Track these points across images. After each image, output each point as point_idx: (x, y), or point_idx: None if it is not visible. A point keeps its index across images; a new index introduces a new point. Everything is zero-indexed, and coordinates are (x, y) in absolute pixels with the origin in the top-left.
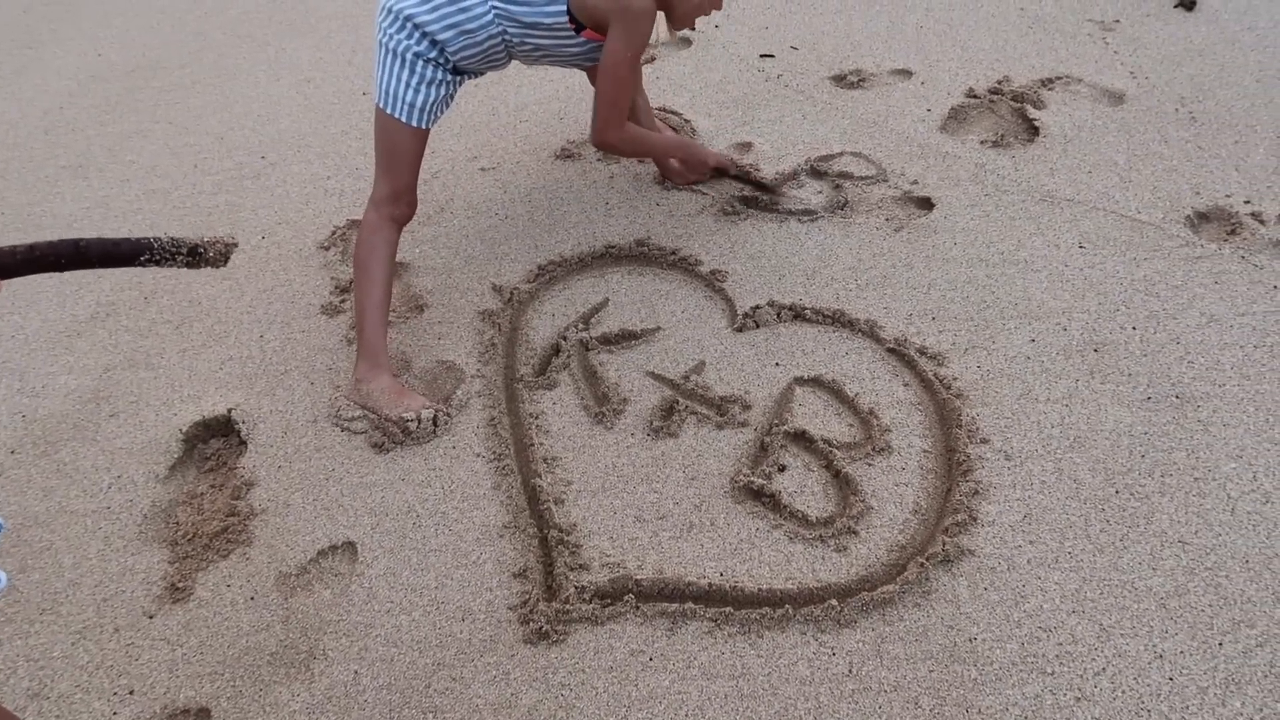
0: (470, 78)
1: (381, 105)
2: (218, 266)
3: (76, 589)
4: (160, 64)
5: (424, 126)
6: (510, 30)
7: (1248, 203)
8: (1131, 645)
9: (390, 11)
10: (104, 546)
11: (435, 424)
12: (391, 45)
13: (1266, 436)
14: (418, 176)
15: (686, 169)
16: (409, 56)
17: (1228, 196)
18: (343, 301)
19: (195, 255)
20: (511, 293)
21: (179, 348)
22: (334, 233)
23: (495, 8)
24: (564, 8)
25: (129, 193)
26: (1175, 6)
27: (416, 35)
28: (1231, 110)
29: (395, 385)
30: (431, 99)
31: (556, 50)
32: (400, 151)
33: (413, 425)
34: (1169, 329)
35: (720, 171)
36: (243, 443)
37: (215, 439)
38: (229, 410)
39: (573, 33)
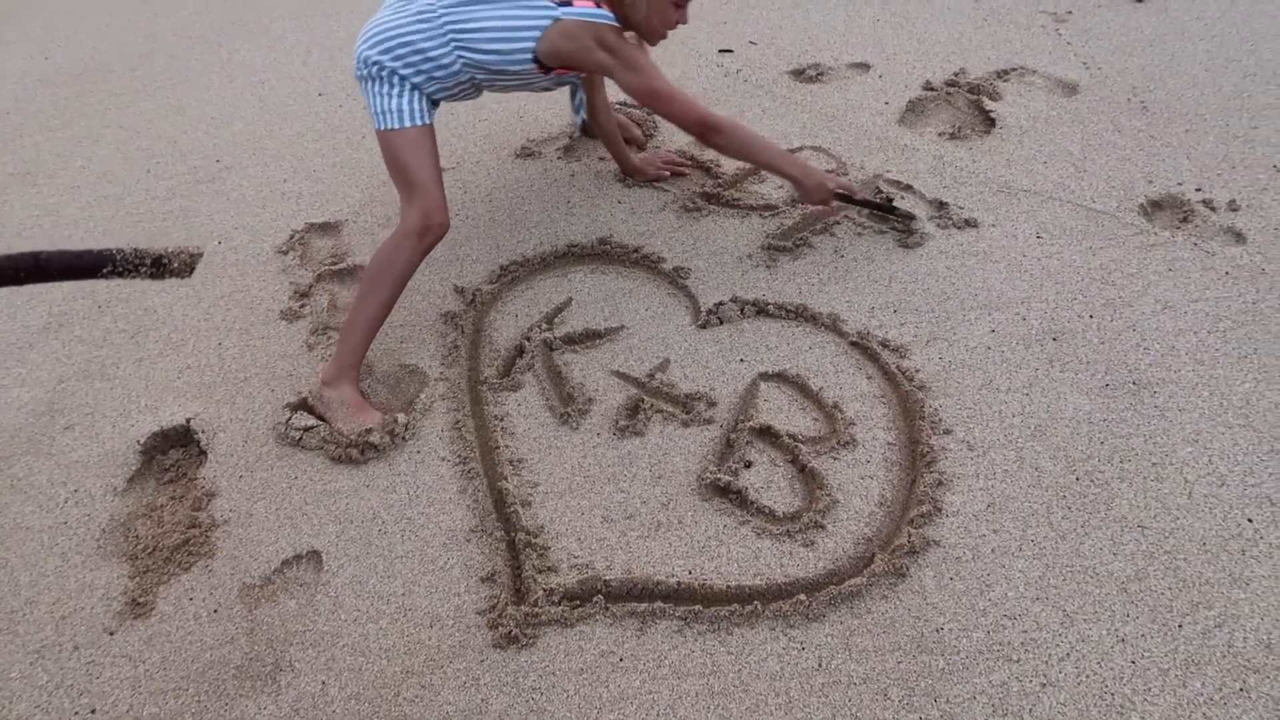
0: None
1: (379, 128)
2: (182, 277)
3: (34, 607)
4: (110, 67)
5: (423, 122)
6: (479, 75)
7: (1199, 190)
8: (1094, 630)
9: (362, 60)
10: (61, 563)
11: (383, 442)
12: (367, 74)
13: (1221, 420)
14: (442, 190)
15: (803, 194)
16: (384, 75)
17: (1179, 184)
18: (302, 307)
19: (159, 266)
20: (474, 294)
21: (135, 357)
22: (292, 236)
23: (462, 58)
24: (530, 57)
25: (79, 199)
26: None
27: (388, 72)
28: (1182, 99)
29: (356, 399)
30: (418, 100)
31: (528, 85)
32: (414, 165)
33: (366, 445)
34: (1125, 317)
35: (844, 198)
36: (202, 452)
37: (174, 449)
38: (188, 420)
39: (542, 75)
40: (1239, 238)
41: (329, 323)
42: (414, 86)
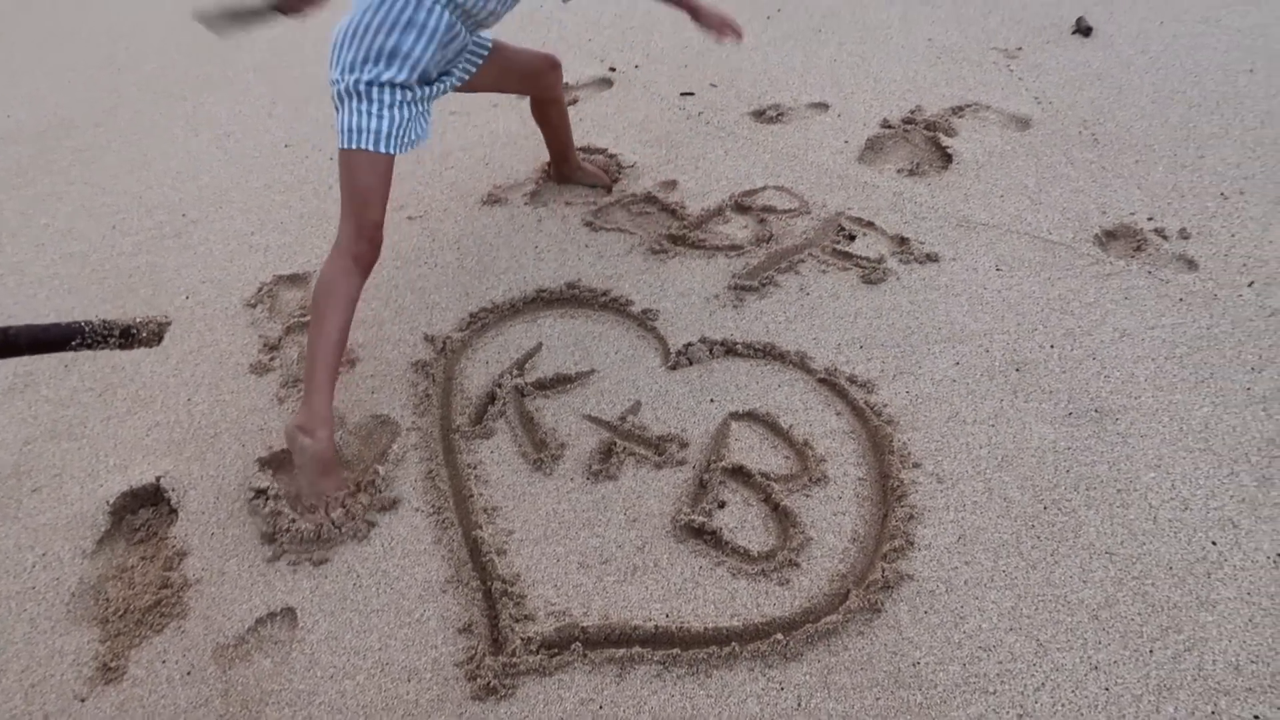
0: (440, 91)
1: (344, 145)
2: (151, 346)
3: (2, 675)
4: (73, 123)
5: (391, 152)
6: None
7: (1151, 219)
8: (1068, 659)
9: (334, 52)
10: (30, 629)
11: (337, 526)
12: (339, 89)
13: (1181, 445)
14: (384, 215)
15: (703, 17)
16: (360, 88)
17: (1132, 214)
18: (272, 359)
19: (128, 337)
20: (444, 342)
21: (103, 416)
22: (260, 289)
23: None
24: None
25: (44, 257)
26: (1073, 33)
27: (365, 62)
28: (1131, 131)
29: (328, 456)
30: (398, 121)
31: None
32: (365, 187)
33: (322, 523)
34: (1085, 345)
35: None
36: (173, 511)
37: (144, 509)
38: (157, 478)
39: None
40: (1191, 265)
41: (299, 375)
42: (394, 87)
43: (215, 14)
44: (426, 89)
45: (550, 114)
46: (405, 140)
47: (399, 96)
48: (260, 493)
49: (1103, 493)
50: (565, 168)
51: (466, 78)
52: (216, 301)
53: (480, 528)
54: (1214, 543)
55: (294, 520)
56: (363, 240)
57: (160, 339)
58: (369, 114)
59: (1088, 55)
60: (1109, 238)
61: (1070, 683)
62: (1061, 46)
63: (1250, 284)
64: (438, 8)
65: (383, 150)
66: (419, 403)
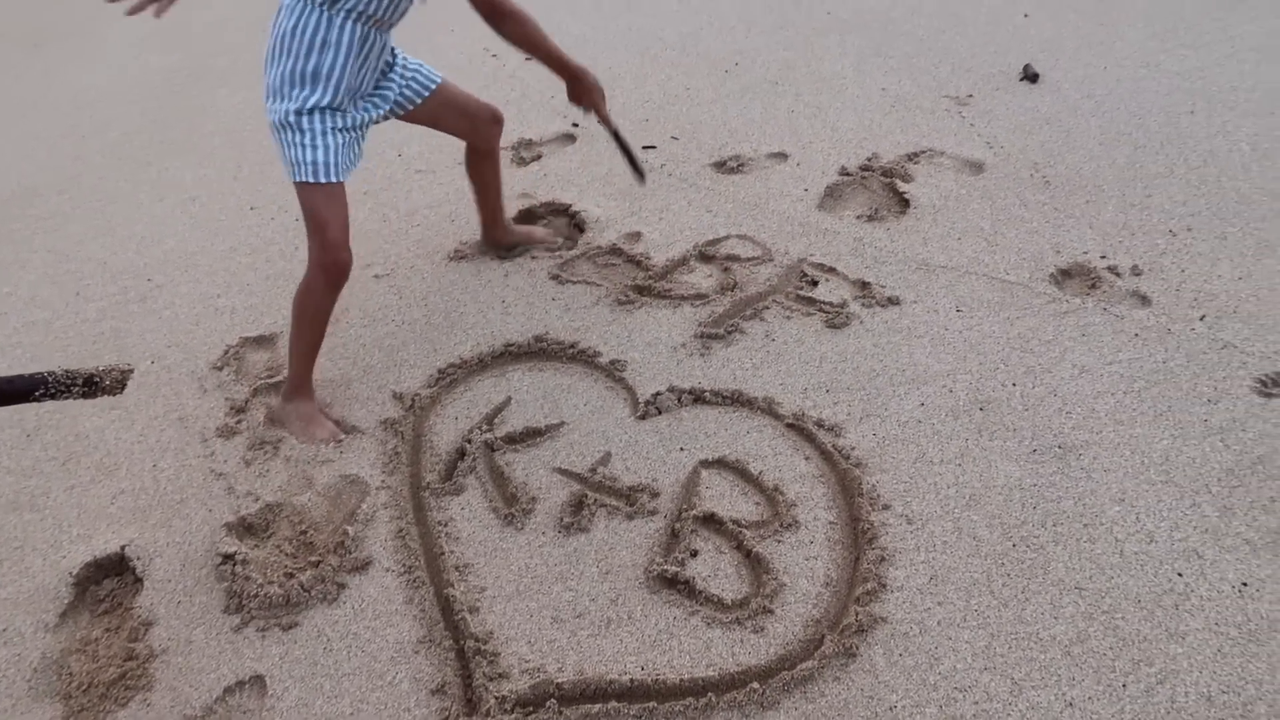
0: (377, 113)
1: (291, 178)
2: (115, 394)
3: None
4: (36, 191)
5: (333, 180)
6: None
7: (1104, 257)
8: (1043, 696)
9: (271, 111)
10: None
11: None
12: (273, 121)
13: (1144, 478)
14: (348, 230)
15: (579, 91)
16: (290, 120)
17: (1085, 253)
18: (239, 422)
19: (91, 385)
20: (413, 399)
21: (65, 485)
22: (226, 351)
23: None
24: None
25: (6, 326)
26: (1021, 80)
27: (291, 87)
28: (1080, 172)
29: (310, 410)
30: (333, 147)
31: None
32: (319, 214)
33: (325, 444)
34: (1046, 383)
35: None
36: (138, 580)
37: (108, 579)
38: (122, 547)
39: None
40: (1144, 300)
41: (266, 437)
42: (322, 111)
43: (636, 174)
44: (361, 113)
45: (484, 169)
46: (344, 166)
47: (330, 123)
48: (227, 558)
49: (1069, 528)
50: (496, 231)
51: (407, 105)
52: (182, 365)
53: (452, 585)
54: (1180, 574)
55: (262, 586)
56: (327, 258)
57: (123, 386)
58: (306, 145)
59: (1036, 101)
60: (1064, 276)
61: None
62: (1010, 93)
63: (1202, 317)
64: (348, 24)
65: (323, 180)
66: (388, 461)
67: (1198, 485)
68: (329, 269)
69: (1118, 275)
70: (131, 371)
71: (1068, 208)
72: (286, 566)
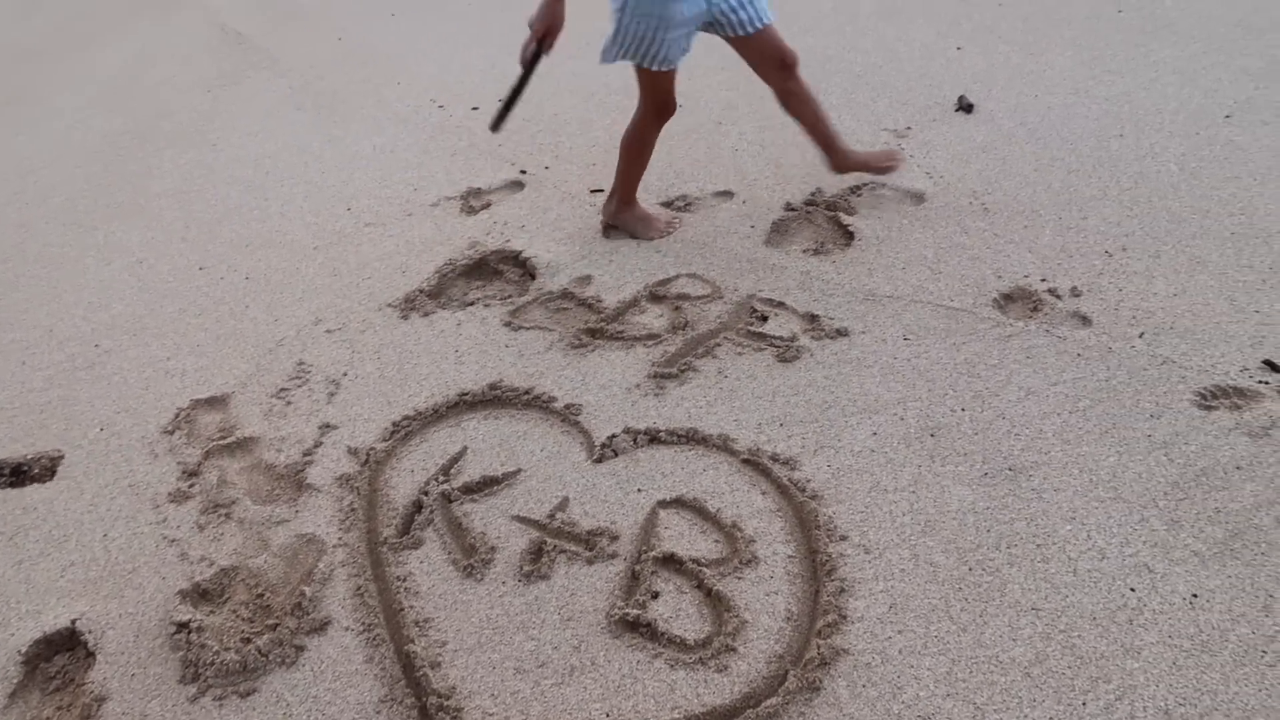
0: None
1: (637, 63)
2: (44, 482)
3: None
4: None
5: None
6: None
7: (1044, 280)
8: (1004, 719)
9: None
10: None
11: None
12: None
13: (1093, 496)
14: (672, 87)
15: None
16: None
17: (1026, 277)
18: (191, 486)
19: (19, 474)
20: (368, 453)
21: (13, 560)
22: (178, 414)
23: None
24: None
25: None
26: (956, 111)
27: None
28: (1017, 198)
29: (644, 213)
30: (671, 39)
31: None
32: (658, 83)
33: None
34: (994, 406)
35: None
36: (90, 654)
37: (59, 655)
38: (73, 621)
39: None
40: (1085, 321)
41: (219, 499)
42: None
43: (495, 120)
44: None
45: (790, 106)
46: (677, 56)
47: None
48: (182, 626)
49: (1023, 549)
50: (835, 158)
51: (722, 20)
52: (132, 431)
53: (412, 641)
54: (1132, 589)
55: (218, 653)
56: (666, 108)
57: (53, 474)
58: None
59: (971, 130)
60: (1007, 300)
61: None
62: (947, 124)
63: (1141, 335)
64: None
65: (674, 65)
66: (344, 518)
67: (1145, 500)
68: (662, 110)
69: (1058, 297)
70: (61, 458)
71: (1007, 233)
72: (243, 631)
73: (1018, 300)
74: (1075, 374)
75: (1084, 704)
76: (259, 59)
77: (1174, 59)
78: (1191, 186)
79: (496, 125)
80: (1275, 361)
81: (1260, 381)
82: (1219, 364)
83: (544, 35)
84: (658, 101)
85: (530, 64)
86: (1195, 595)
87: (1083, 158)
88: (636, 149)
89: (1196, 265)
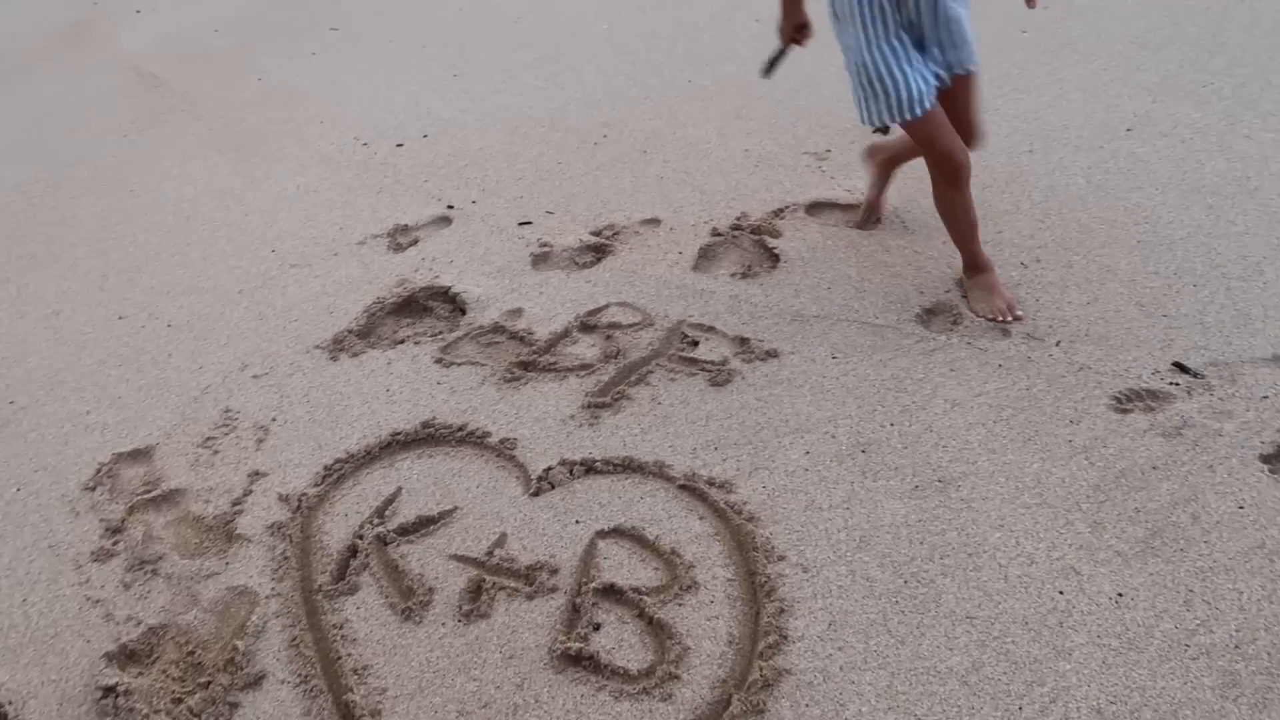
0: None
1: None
2: None
3: None
4: None
5: (933, 104)
6: None
7: (964, 294)
8: None
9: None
10: None
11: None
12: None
13: (1020, 503)
14: (950, 137)
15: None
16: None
17: (947, 291)
18: (115, 544)
19: None
20: (299, 499)
21: None
22: (99, 470)
23: None
24: None
25: None
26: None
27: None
28: (935, 215)
29: (992, 282)
30: (917, 73)
31: None
32: (920, 136)
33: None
34: (921, 419)
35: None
36: None
37: None
38: None
39: None
40: (1004, 332)
41: (145, 555)
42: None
43: (763, 68)
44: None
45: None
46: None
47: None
48: (108, 691)
49: (956, 559)
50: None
51: (943, 73)
52: (51, 489)
53: (351, 690)
54: (1061, 592)
55: (148, 716)
56: (946, 165)
57: None
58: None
59: None
60: (929, 315)
61: None
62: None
63: (1058, 343)
64: None
65: (930, 106)
66: (277, 567)
67: (1069, 504)
68: (951, 173)
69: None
70: None
71: (926, 249)
72: (174, 692)
73: (939, 314)
74: (997, 384)
75: (1020, 708)
76: (176, 102)
77: (1077, 77)
78: (1099, 198)
79: (768, 71)
80: (1184, 363)
81: (1171, 383)
82: (1132, 368)
83: (794, 37)
84: (935, 156)
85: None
86: (1121, 594)
87: (995, 173)
88: (947, 216)
89: (1106, 273)
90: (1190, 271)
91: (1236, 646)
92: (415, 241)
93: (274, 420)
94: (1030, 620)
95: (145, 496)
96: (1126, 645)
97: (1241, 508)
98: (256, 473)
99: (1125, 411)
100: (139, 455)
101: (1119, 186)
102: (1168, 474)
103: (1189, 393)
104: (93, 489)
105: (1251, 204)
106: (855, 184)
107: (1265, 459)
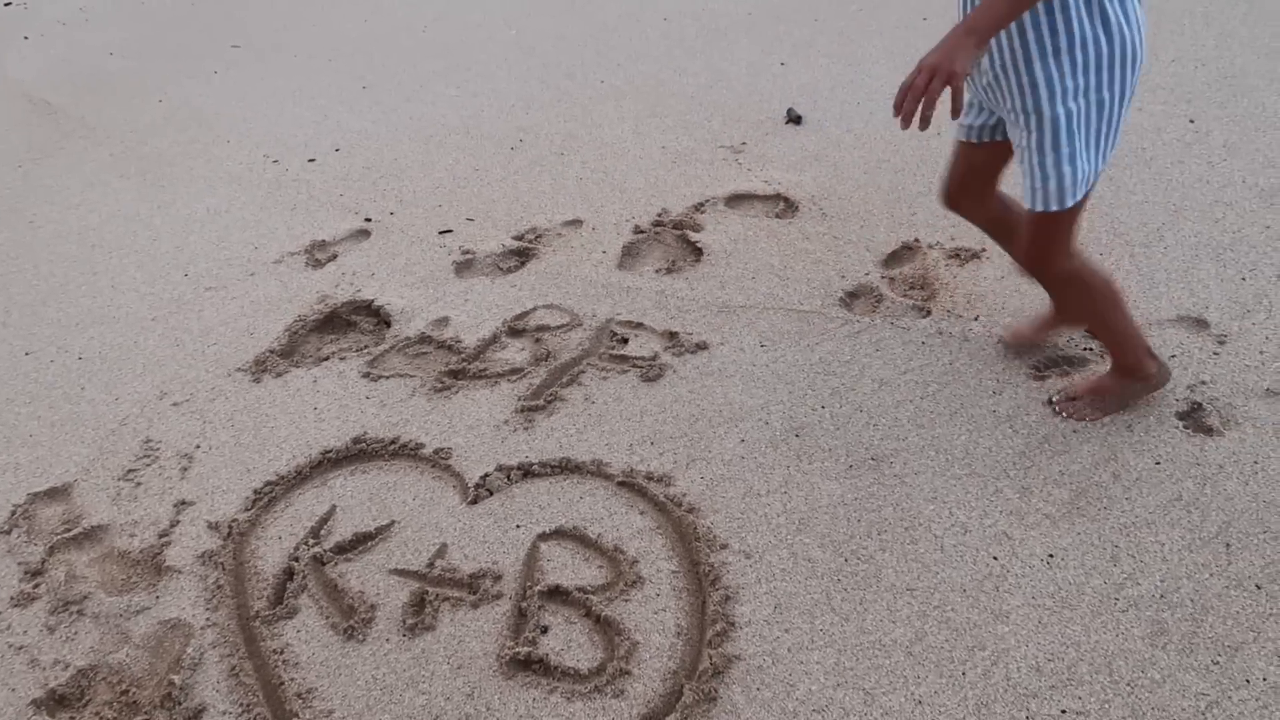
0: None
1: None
2: None
3: None
4: None
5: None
6: None
7: (884, 276)
8: (893, 700)
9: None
10: None
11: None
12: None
13: (950, 474)
14: (1064, 254)
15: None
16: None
17: (866, 274)
18: (36, 587)
19: None
20: (230, 526)
21: None
22: (14, 512)
23: None
24: None
25: None
26: (787, 123)
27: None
28: (851, 201)
29: (1147, 376)
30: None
31: None
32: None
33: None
34: (851, 400)
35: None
36: None
37: None
38: None
39: None
40: (924, 311)
41: (69, 596)
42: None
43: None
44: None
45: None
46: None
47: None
48: None
49: (893, 534)
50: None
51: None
52: None
53: (297, 715)
54: (995, 558)
55: None
56: (1056, 276)
57: None
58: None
59: (803, 140)
60: (851, 298)
61: None
62: (779, 136)
63: (976, 318)
64: None
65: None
66: (210, 596)
67: (997, 472)
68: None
69: (898, 290)
70: None
71: (845, 234)
72: None
73: (861, 297)
74: (922, 361)
75: (964, 673)
76: (73, 128)
77: None
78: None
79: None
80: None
81: (1085, 349)
82: (1048, 337)
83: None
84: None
85: None
86: (1051, 555)
87: (906, 158)
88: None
89: None
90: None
91: (1162, 596)
92: (334, 257)
93: (198, 448)
94: (968, 587)
95: (65, 535)
96: (1060, 604)
97: (1158, 463)
98: (183, 502)
99: (1044, 379)
100: (56, 494)
101: None
102: (1087, 436)
103: (1102, 357)
104: (8, 532)
105: (1148, 173)
106: (772, 174)
107: (1181, 416)
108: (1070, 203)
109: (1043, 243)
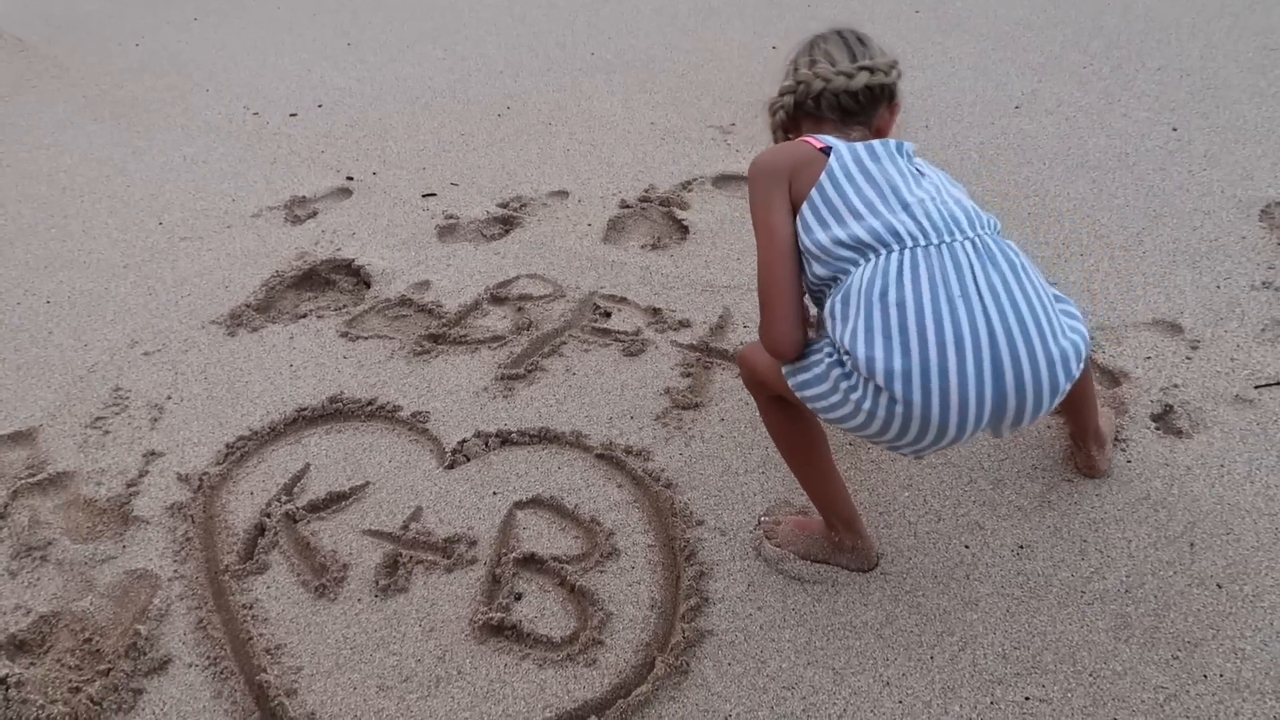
0: None
1: None
2: None
3: None
4: None
5: None
6: None
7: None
8: (862, 680)
9: None
10: None
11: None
12: None
13: (926, 462)
14: None
15: None
16: None
17: None
18: None
19: None
20: (200, 479)
21: None
22: None
23: None
24: None
25: None
26: None
27: None
28: None
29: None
30: None
31: None
32: None
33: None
34: None
35: None
36: None
37: None
38: None
39: None
40: None
41: (32, 542)
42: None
43: None
44: None
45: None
46: None
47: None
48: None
49: (867, 517)
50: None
51: None
52: None
53: (264, 670)
54: (967, 546)
55: (43, 707)
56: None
57: None
58: None
59: None
60: None
61: (868, 704)
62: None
63: None
64: None
65: None
66: (179, 549)
67: (972, 463)
68: None
69: None
70: None
71: None
72: (71, 681)
73: None
74: None
75: (931, 657)
76: (45, 67)
77: (968, 55)
78: (991, 172)
79: None
80: None
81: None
82: None
83: None
84: None
85: None
86: (1022, 546)
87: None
88: None
89: None
90: (1077, 242)
91: (1127, 591)
92: (314, 214)
93: (169, 398)
94: (939, 574)
95: (29, 480)
96: (1028, 594)
97: (1129, 462)
98: (152, 453)
99: None
100: (20, 438)
101: (1010, 161)
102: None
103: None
104: None
105: (1130, 178)
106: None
107: (1155, 417)
108: None
109: None
